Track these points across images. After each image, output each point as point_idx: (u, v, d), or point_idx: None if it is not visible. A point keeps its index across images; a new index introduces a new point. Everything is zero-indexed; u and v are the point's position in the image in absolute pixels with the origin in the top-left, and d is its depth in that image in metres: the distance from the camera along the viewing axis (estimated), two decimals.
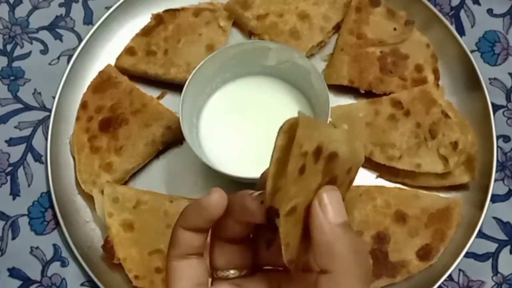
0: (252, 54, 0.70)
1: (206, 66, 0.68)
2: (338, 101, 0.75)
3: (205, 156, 0.68)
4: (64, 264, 0.70)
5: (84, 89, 0.75)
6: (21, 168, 0.74)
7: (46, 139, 0.73)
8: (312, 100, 0.71)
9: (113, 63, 0.77)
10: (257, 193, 0.39)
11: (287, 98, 0.72)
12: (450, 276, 0.68)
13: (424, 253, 0.67)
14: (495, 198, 0.72)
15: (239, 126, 0.70)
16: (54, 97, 0.75)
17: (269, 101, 0.72)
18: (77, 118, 0.74)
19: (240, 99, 0.72)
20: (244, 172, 0.65)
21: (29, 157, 0.74)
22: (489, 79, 0.77)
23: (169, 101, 0.76)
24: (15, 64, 0.79)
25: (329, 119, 0.66)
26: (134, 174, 0.73)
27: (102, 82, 0.75)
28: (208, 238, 0.43)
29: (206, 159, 0.67)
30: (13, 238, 0.71)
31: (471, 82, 0.75)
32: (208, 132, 0.70)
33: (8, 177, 0.74)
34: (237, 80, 0.73)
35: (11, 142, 0.75)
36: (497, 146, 0.73)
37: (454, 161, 0.70)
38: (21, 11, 0.81)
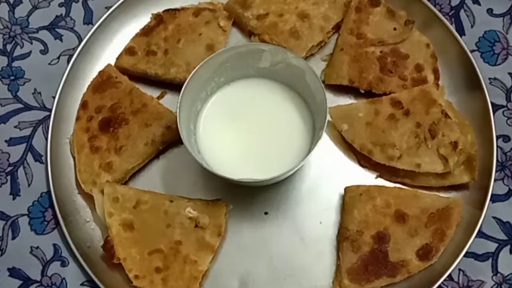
0: (245, 57, 0.70)
1: (200, 72, 0.68)
2: (338, 101, 0.75)
3: (204, 161, 0.68)
4: (64, 264, 0.70)
5: (84, 89, 0.76)
6: (21, 168, 0.74)
7: (46, 139, 0.74)
8: (308, 99, 0.71)
9: (113, 63, 0.77)
10: None
11: (282, 99, 0.71)
12: (450, 275, 0.68)
13: (424, 253, 0.67)
14: (495, 198, 0.72)
15: (236, 129, 0.71)
16: (54, 97, 0.75)
17: (264, 102, 0.72)
18: (77, 118, 0.74)
19: (236, 102, 0.72)
20: (242, 174, 0.65)
21: (29, 157, 0.74)
22: (489, 79, 0.77)
23: (169, 101, 0.76)
24: (15, 64, 0.79)
25: (328, 118, 0.66)
26: (134, 174, 0.73)
27: (102, 82, 0.75)
28: None
29: (206, 163, 0.67)
30: (13, 238, 0.71)
31: (471, 82, 0.75)
32: (206, 136, 0.71)
33: (8, 177, 0.74)
34: (232, 83, 0.73)
35: (11, 142, 0.75)
36: (497, 146, 0.73)
37: (454, 161, 0.70)
38: (21, 11, 0.82)
